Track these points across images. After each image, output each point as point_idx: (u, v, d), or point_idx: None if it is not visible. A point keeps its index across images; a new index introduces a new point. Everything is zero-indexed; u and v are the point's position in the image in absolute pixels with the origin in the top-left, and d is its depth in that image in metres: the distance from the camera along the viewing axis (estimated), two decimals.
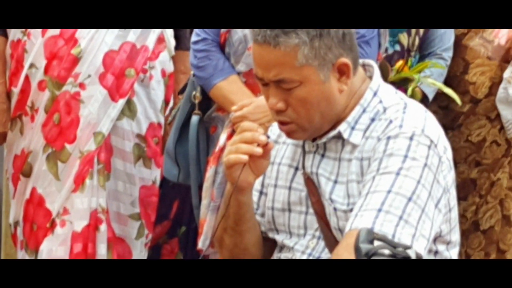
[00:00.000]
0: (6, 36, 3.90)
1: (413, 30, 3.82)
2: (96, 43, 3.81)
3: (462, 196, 3.83)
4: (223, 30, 3.60)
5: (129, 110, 3.86)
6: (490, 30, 3.87)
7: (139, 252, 3.98)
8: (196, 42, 3.62)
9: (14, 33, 3.86)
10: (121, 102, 3.81)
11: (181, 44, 4.04)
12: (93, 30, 3.81)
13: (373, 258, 2.43)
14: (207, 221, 3.54)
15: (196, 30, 3.65)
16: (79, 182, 3.79)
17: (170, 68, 3.97)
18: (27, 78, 3.83)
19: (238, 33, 3.56)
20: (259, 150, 2.70)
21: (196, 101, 3.68)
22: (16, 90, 3.85)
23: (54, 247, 3.81)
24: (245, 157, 2.71)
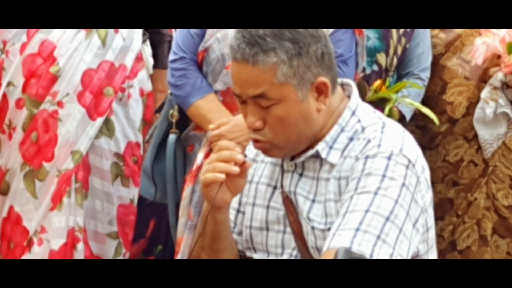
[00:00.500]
0: None
1: (391, 50, 3.80)
2: (75, 61, 3.79)
3: (439, 215, 3.79)
4: (200, 49, 3.58)
5: (107, 128, 3.85)
6: (467, 50, 3.85)
7: None
8: (173, 61, 3.61)
9: None
10: (99, 120, 3.80)
11: (159, 62, 4.04)
12: (71, 49, 3.79)
13: None
14: (184, 239, 3.52)
15: (173, 49, 3.65)
16: (56, 200, 3.78)
17: (148, 87, 3.96)
18: (4, 96, 3.82)
19: (216, 52, 3.55)
20: (236, 169, 2.69)
21: (174, 120, 3.66)
22: None
23: None
24: (222, 176, 2.69)
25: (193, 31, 3.61)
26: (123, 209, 3.94)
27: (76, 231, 3.80)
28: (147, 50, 4.01)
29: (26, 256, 3.81)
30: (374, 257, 2.58)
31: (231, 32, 2.96)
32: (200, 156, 3.55)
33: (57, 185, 3.78)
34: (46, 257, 3.78)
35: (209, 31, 3.58)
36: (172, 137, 3.66)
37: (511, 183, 3.91)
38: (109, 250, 3.92)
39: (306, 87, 2.70)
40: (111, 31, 3.84)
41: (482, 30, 3.80)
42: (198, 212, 3.48)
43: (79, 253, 3.80)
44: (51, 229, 3.79)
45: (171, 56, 3.63)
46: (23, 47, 3.81)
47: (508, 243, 3.91)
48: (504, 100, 3.74)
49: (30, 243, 3.82)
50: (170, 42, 3.97)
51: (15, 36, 3.83)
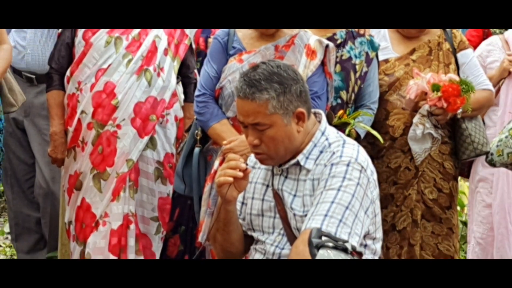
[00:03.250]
0: (64, 90, 3.85)
1: (350, 89, 3.70)
2: (129, 96, 3.75)
3: (383, 206, 3.75)
4: (217, 87, 3.53)
5: (151, 143, 3.83)
6: (404, 89, 3.76)
7: (157, 243, 3.90)
8: (198, 96, 3.57)
9: (70, 88, 3.81)
10: (146, 138, 3.79)
11: (187, 98, 3.99)
12: (127, 87, 3.74)
13: (321, 249, 2.52)
14: (205, 222, 3.51)
15: (198, 87, 3.60)
16: (116, 194, 3.78)
17: (180, 114, 3.94)
18: (79, 120, 3.80)
19: (228, 90, 3.49)
20: (240, 174, 2.72)
21: (198, 137, 3.64)
22: (71, 129, 3.82)
23: (98, 240, 3.77)
24: (230, 179, 2.72)
25: (212, 75, 3.54)
26: (162, 200, 3.89)
27: (130, 216, 3.79)
28: (180, 89, 3.97)
29: (93, 234, 3.77)
30: (337, 235, 2.61)
31: (238, 76, 2.87)
32: (216, 163, 3.53)
33: (116, 183, 3.77)
34: (108, 235, 3.75)
35: (223, 74, 3.52)
36: (196, 150, 3.63)
37: (435, 183, 3.84)
38: (152, 230, 3.88)
39: (289, 115, 2.74)
40: (154, 74, 3.77)
41: (414, 74, 3.71)
42: (215, 203, 3.39)
43: (132, 232, 3.79)
44: (112, 215, 3.77)
45: (196, 92, 3.60)
46: (92, 86, 3.75)
47: (433, 225, 3.85)
48: (429, 124, 3.68)
49: (97, 224, 3.78)
50: (195, 84, 3.93)
51: (86, 78, 3.75)
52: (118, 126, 3.76)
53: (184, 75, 3.99)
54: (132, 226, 3.79)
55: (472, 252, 4.51)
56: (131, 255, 3.79)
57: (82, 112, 3.79)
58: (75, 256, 3.85)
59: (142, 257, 3.83)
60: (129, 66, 3.77)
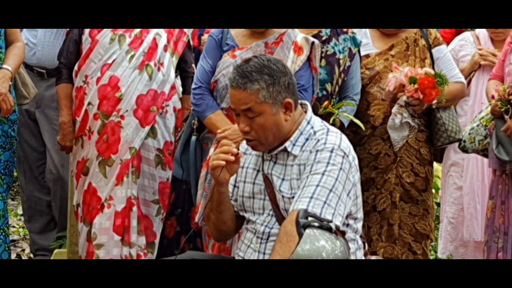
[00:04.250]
0: (72, 83, 3.85)
1: (334, 82, 3.69)
2: (131, 89, 3.75)
3: (365, 189, 3.81)
4: (212, 81, 3.54)
5: (152, 132, 3.83)
6: (383, 81, 3.76)
7: (157, 224, 3.91)
8: (194, 89, 3.57)
9: (78, 82, 3.81)
10: (147, 128, 3.80)
11: (185, 91, 4.00)
12: (129, 81, 3.74)
13: (307, 228, 2.52)
14: (201, 204, 3.51)
15: (195, 81, 3.60)
16: (119, 179, 3.77)
17: (178, 105, 3.93)
18: (86, 111, 3.80)
19: (222, 83, 3.50)
20: (232, 158, 2.74)
21: (195, 127, 3.65)
22: (78, 119, 3.83)
23: (103, 221, 3.78)
24: (223, 162, 2.74)
25: (207, 69, 3.54)
26: (162, 184, 3.90)
27: (132, 199, 3.79)
28: (178, 82, 3.98)
29: (99, 216, 3.77)
30: (322, 216, 2.63)
31: (231, 70, 2.86)
32: (211, 150, 3.54)
33: (120, 169, 3.77)
34: (112, 217, 3.76)
35: (218, 69, 3.52)
36: (193, 138, 3.64)
37: (412, 168, 3.85)
38: (153, 211, 3.89)
39: (278, 105, 2.75)
40: (155, 69, 3.77)
41: (393, 68, 3.71)
42: (210, 186, 3.27)
43: (134, 214, 3.80)
44: (116, 198, 3.78)
45: (193, 85, 3.60)
46: (98, 79, 3.75)
47: (410, 207, 3.86)
48: (407, 114, 3.68)
49: (102, 207, 3.78)
50: (192, 77, 3.87)
51: (93, 72, 3.75)
52: (122, 117, 3.77)
53: (183, 70, 3.99)
54: (135, 208, 3.80)
55: (444, 230, 4.54)
56: (134, 235, 3.81)
57: (89, 103, 3.79)
58: (83, 235, 3.86)
59: (143, 237, 3.84)
60: (131, 62, 3.76)
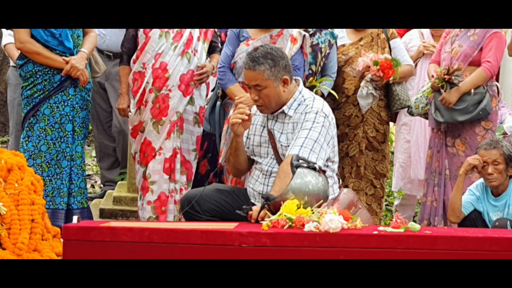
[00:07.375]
0: (129, 66, 3.73)
1: (318, 63, 3.60)
2: (176, 71, 3.66)
3: (340, 140, 3.78)
4: (232, 62, 3.51)
5: (191, 101, 3.74)
6: (354, 63, 3.70)
7: (194, 166, 3.76)
8: (219, 68, 3.56)
9: (137, 67, 3.70)
10: (188, 98, 3.71)
11: (213, 51, 3.79)
12: (175, 65, 3.62)
13: (298, 168, 2.53)
14: (224, 150, 3.48)
15: (219, 62, 3.57)
16: (168, 135, 3.68)
17: (207, 81, 3.78)
18: (144, 89, 3.69)
19: (239, 64, 3.47)
20: (245, 117, 2.78)
21: (219, 95, 3.64)
22: (138, 95, 3.70)
23: (155, 165, 3.67)
24: (239, 120, 2.78)
25: (228, 54, 3.52)
26: (198, 137, 3.77)
27: (177, 149, 3.70)
28: (207, 61, 3.82)
29: (152, 161, 3.65)
30: (309, 159, 2.65)
31: (245, 55, 2.83)
32: (231, 112, 3.51)
33: (169, 127, 3.67)
34: (162, 162, 3.65)
35: (236, 54, 3.49)
36: (218, 103, 3.65)
37: (374, 126, 3.79)
38: (191, 157, 3.77)
39: (278, 81, 2.80)
40: (192, 55, 3.64)
41: (361, 54, 3.64)
42: (230, 137, 3.23)
43: (178, 159, 3.69)
44: (165, 148, 3.68)
45: (219, 65, 3.58)
46: (153, 65, 3.64)
47: (372, 154, 3.81)
48: (371, 87, 3.65)
49: (155, 155, 3.66)
50: (217, 47, 3.80)
51: (148, 60, 3.65)
52: (170, 90, 3.70)
53: (212, 44, 3.85)
54: (178, 156, 3.73)
55: (397, 172, 4.55)
56: (178, 175, 3.72)
57: (147, 82, 3.72)
58: (139, 174, 3.77)
59: (185, 176, 3.76)
60: (175, 51, 3.68)
